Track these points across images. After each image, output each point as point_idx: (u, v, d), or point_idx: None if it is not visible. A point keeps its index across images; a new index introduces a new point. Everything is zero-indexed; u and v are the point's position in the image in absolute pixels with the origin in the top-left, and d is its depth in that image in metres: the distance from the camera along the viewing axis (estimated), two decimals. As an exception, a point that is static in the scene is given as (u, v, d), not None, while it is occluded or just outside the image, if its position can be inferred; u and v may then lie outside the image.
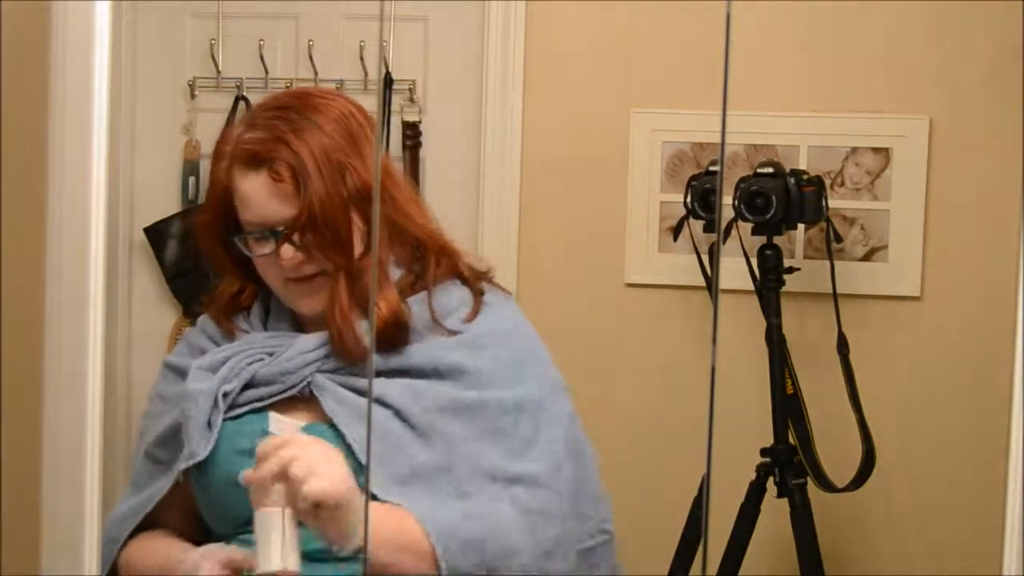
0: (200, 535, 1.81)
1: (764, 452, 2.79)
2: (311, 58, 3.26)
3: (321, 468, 1.53)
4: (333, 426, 1.73)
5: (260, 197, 1.73)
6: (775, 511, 2.77)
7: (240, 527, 1.73)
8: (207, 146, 3.29)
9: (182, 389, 1.80)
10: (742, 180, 2.79)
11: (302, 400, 1.76)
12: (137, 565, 1.79)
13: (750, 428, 2.88)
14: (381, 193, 1.78)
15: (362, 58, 3.25)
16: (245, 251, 1.77)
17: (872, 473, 2.82)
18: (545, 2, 3.14)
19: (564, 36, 3.15)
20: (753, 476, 2.77)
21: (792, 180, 2.78)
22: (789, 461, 2.76)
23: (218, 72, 3.30)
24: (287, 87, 3.27)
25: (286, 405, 1.77)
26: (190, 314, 3.30)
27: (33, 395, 2.82)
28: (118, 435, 3.28)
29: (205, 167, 3.30)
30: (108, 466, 3.27)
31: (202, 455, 1.72)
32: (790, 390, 2.80)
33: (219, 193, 1.78)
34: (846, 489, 2.81)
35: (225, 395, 1.75)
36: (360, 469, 1.63)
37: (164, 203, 3.31)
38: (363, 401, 1.73)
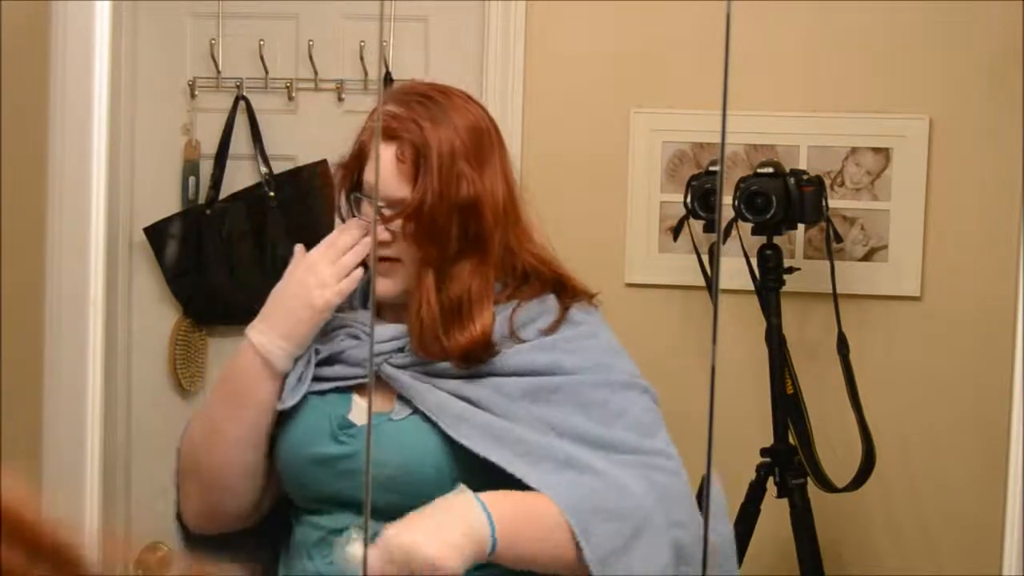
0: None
1: (764, 452, 2.79)
2: (311, 58, 3.26)
3: (433, 555, 1.56)
4: (403, 416, 1.78)
5: (383, 169, 1.79)
6: (775, 511, 2.77)
7: (312, 505, 1.80)
8: (207, 146, 3.30)
9: None
10: (742, 180, 2.79)
11: (381, 387, 1.81)
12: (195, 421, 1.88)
13: (750, 428, 2.88)
14: (504, 215, 1.82)
15: (362, 58, 3.25)
16: (354, 209, 1.84)
17: (872, 473, 2.81)
18: (545, 2, 3.14)
19: (564, 36, 3.15)
20: (753, 476, 2.77)
21: (792, 180, 2.78)
22: (789, 461, 2.76)
23: (218, 72, 3.30)
24: (287, 87, 3.28)
25: (362, 390, 1.82)
26: (190, 314, 3.30)
27: (33, 395, 2.82)
28: (118, 435, 3.28)
29: (205, 167, 3.30)
30: (108, 466, 3.28)
31: (290, 402, 1.79)
32: (790, 390, 2.80)
33: (356, 150, 1.86)
34: (846, 489, 2.81)
35: (316, 352, 1.81)
36: (448, 457, 1.72)
37: (164, 203, 3.30)
38: (435, 393, 1.77)
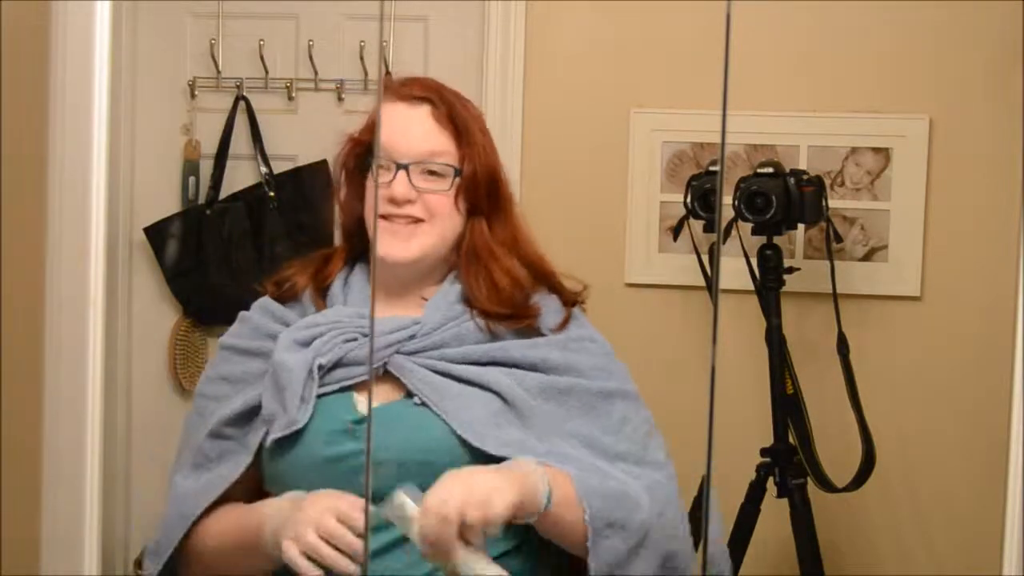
0: None
1: (764, 452, 2.79)
2: (311, 58, 3.26)
3: (482, 496, 1.60)
4: (414, 404, 1.79)
5: (413, 126, 1.83)
6: (775, 511, 2.77)
7: None
8: (207, 146, 3.30)
9: (252, 369, 1.86)
10: (742, 180, 2.79)
11: (389, 378, 1.81)
12: (212, 531, 1.81)
13: (750, 428, 2.88)
14: (501, 202, 1.88)
15: (362, 58, 3.25)
16: (370, 175, 1.83)
17: (872, 473, 2.82)
18: (545, 2, 3.14)
19: (564, 36, 3.15)
20: (753, 476, 2.77)
21: (792, 180, 2.78)
22: (789, 461, 2.76)
23: (218, 72, 3.30)
24: (287, 87, 3.28)
25: (360, 385, 1.81)
26: (190, 314, 3.30)
27: (33, 395, 2.82)
28: (118, 435, 3.28)
29: (205, 167, 3.30)
30: (108, 466, 3.28)
31: (303, 422, 1.76)
32: (790, 390, 2.80)
33: (370, 123, 1.91)
34: (846, 489, 2.81)
35: (320, 368, 1.79)
36: (460, 443, 1.73)
37: (164, 203, 3.31)
38: (445, 381, 1.79)
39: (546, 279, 1.92)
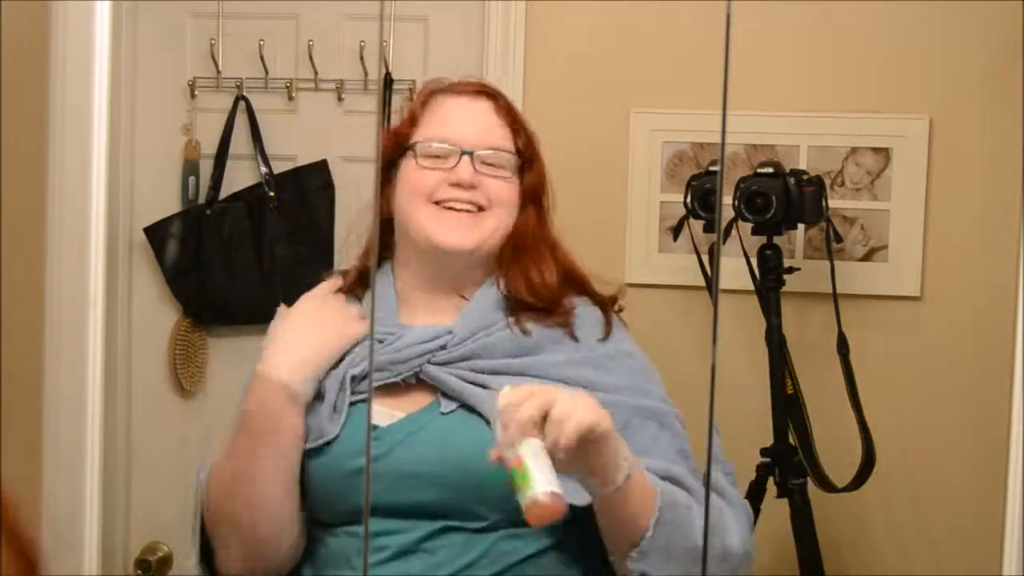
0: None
1: (764, 452, 2.79)
2: (311, 58, 3.26)
3: (580, 405, 1.56)
4: (440, 413, 1.78)
5: (476, 117, 1.86)
6: (775, 511, 2.77)
7: (348, 517, 1.77)
8: (207, 146, 3.30)
9: None
10: (742, 180, 2.79)
11: (400, 388, 1.80)
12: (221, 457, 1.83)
13: (750, 428, 2.88)
14: (544, 207, 1.91)
15: (362, 58, 3.25)
16: (416, 161, 1.83)
17: (872, 473, 2.82)
18: (545, 2, 3.14)
19: (564, 36, 3.15)
20: (753, 476, 2.77)
21: (792, 180, 2.78)
22: (789, 461, 2.76)
23: (218, 72, 3.30)
24: (287, 87, 3.28)
25: (384, 392, 1.80)
26: (190, 314, 3.30)
27: (33, 395, 2.82)
28: (118, 435, 3.28)
29: (205, 167, 3.30)
30: (108, 466, 3.28)
31: (333, 434, 1.76)
32: (790, 390, 2.79)
33: (409, 116, 1.90)
34: (846, 489, 2.81)
35: (353, 378, 1.79)
36: (479, 457, 1.69)
37: (164, 203, 3.30)
38: (481, 390, 1.78)
39: (580, 283, 1.92)
